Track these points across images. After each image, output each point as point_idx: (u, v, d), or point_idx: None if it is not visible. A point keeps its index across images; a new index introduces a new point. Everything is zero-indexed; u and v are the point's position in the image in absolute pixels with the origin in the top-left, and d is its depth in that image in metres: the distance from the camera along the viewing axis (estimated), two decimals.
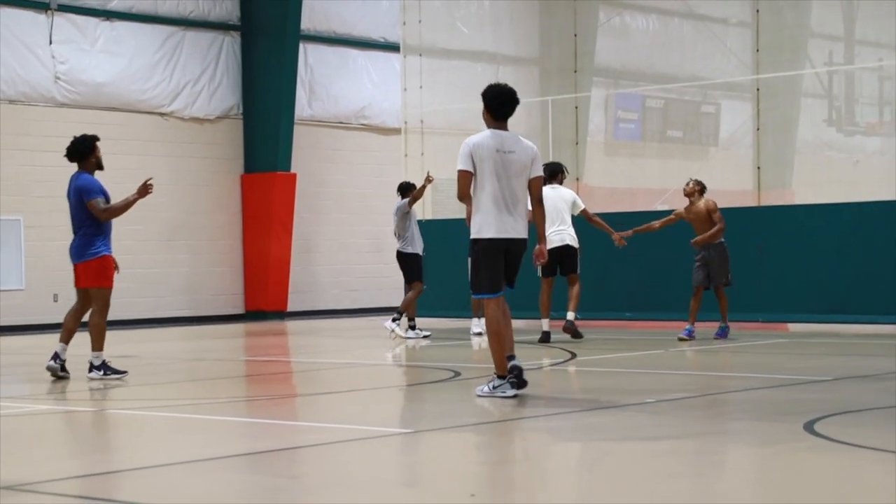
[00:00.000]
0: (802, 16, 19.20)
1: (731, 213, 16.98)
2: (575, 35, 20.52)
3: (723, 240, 14.76)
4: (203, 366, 13.98)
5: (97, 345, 11.41)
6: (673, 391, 9.52)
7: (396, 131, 22.18)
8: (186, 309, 22.88)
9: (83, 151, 11.65)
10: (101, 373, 11.35)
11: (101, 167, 11.76)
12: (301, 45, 23.90)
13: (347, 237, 25.09)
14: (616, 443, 7.53)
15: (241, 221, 23.79)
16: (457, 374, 11.50)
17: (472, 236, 9.35)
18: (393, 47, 23.34)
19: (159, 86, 22.74)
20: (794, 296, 16.05)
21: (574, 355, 13.36)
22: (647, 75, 22.18)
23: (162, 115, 22.83)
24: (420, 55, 21.62)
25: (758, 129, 18.24)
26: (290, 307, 23.83)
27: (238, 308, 23.67)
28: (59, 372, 11.36)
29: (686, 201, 15.04)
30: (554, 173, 15.09)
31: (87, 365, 11.40)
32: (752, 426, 7.78)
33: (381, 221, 23.87)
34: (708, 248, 14.63)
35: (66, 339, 11.47)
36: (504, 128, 9.46)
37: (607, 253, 16.13)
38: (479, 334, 16.47)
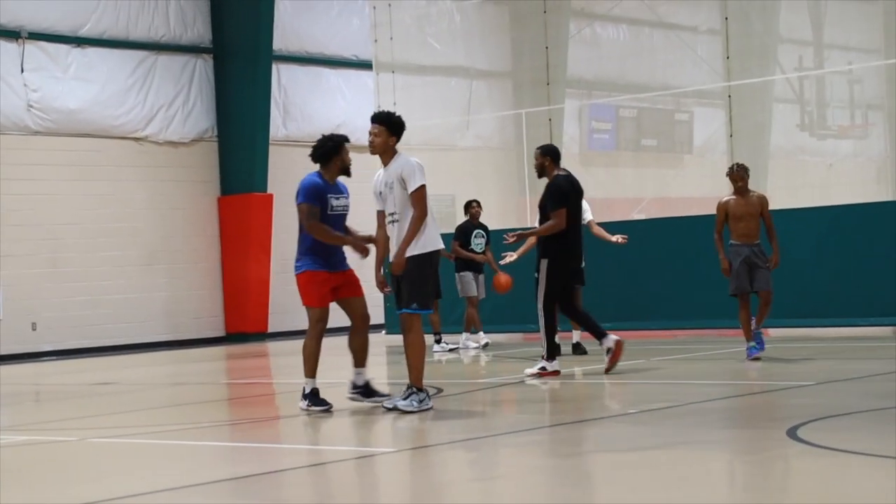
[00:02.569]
0: (771, 22, 19.30)
1: (709, 220, 17.01)
2: (546, 47, 20.57)
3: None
4: (184, 390, 13.94)
5: (305, 369, 10.15)
6: (655, 401, 9.53)
7: None
8: (167, 333, 22.81)
9: (326, 152, 10.27)
10: (307, 403, 10.04)
11: (347, 173, 10.37)
12: (274, 66, 23.89)
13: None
14: (599, 454, 7.54)
15: (219, 244, 23.74)
16: (439, 390, 11.49)
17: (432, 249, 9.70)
18: (366, 65, 23.36)
19: (133, 111, 22.70)
20: (773, 301, 16.07)
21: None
22: (619, 85, 22.27)
23: (136, 139, 22.79)
24: (393, 72, 21.65)
25: (731, 136, 18.31)
26: (271, 328, 23.77)
27: (219, 331, 23.60)
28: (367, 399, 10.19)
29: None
30: None
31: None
32: (735, 434, 7.79)
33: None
34: (751, 246, 12.64)
35: (360, 363, 10.25)
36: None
37: (589, 263, 16.13)
38: (480, 346, 16.72)
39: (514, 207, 21.97)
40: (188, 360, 18.87)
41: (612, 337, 11.98)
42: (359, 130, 25.02)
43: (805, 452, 7.05)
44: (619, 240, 14.50)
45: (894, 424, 7.81)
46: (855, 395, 9.47)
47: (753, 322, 12.61)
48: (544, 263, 12.06)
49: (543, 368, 12.08)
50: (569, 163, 20.77)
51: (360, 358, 10.16)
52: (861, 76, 18.99)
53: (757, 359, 12.36)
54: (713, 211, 17.30)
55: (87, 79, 22.08)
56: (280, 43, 24.10)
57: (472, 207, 17.09)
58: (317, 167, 10.35)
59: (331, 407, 9.95)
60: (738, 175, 12.75)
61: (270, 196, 23.65)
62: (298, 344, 11.75)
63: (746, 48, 18.84)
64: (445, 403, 10.59)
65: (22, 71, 21.25)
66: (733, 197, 12.79)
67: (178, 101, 23.28)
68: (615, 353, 11.98)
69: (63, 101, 21.73)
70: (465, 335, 16.99)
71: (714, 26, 19.26)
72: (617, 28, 22.41)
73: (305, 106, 24.92)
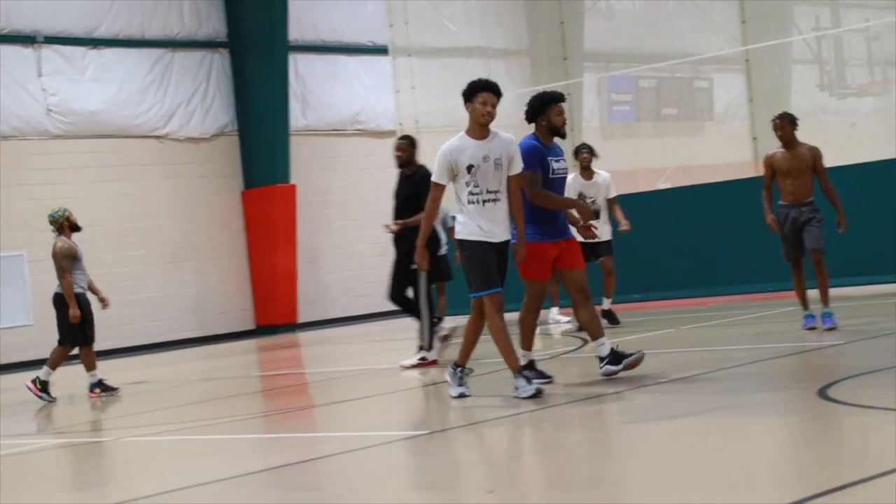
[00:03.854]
0: None
1: (733, 186, 16.97)
2: (561, 22, 20.52)
3: None
4: (217, 385, 13.99)
5: (522, 342, 9.49)
6: (688, 368, 9.51)
7: (392, 134, 22.17)
8: (196, 329, 22.90)
9: (532, 111, 9.41)
10: (527, 382, 8.94)
11: (559, 133, 9.39)
12: (290, 56, 23.90)
13: (352, 244, 25.09)
14: (639, 424, 7.53)
15: (245, 237, 23.80)
16: (471, 370, 11.48)
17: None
18: (382, 50, 23.34)
19: (152, 109, 22.76)
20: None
21: (586, 342, 13.34)
22: (637, 56, 22.16)
23: (157, 138, 22.86)
24: (409, 56, 21.63)
25: (751, 100, 18.23)
26: (301, 319, 23.84)
27: (248, 324, 23.68)
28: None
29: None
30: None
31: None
32: (767, 397, 7.76)
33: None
34: (800, 206, 11.31)
35: (527, 345, 9.55)
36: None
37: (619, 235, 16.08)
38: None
39: None
40: (219, 355, 18.93)
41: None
42: (379, 116, 25.20)
43: (836, 411, 7.02)
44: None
45: None
46: (885, 352, 9.42)
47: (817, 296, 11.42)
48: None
49: (424, 359, 12.22)
50: (590, 136, 20.78)
51: (595, 330, 9.35)
52: (879, 33, 18.84)
53: (813, 328, 11.24)
54: (736, 176, 17.27)
55: (105, 80, 22.15)
56: (295, 33, 24.10)
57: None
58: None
59: (552, 379, 9.34)
60: (779, 124, 11.30)
61: (293, 187, 23.69)
62: (329, 332, 11.84)
63: (762, 11, 18.73)
64: (476, 384, 10.59)
65: (39, 76, 21.34)
66: (780, 150, 11.36)
67: (196, 97, 23.33)
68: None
69: (82, 103, 21.81)
70: (554, 309, 16.39)
71: None
72: None
73: (324, 94, 24.93)
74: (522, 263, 9.16)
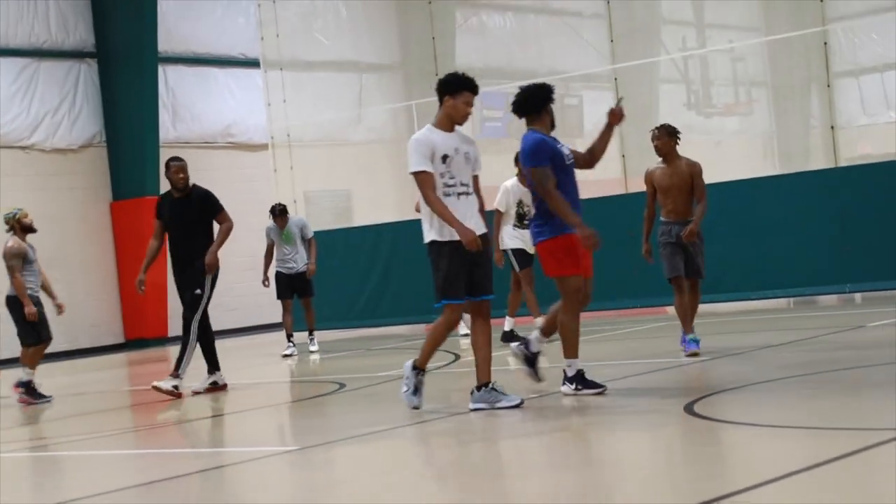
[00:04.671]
0: (653, 4, 19.56)
1: (603, 202, 17.23)
2: (433, 38, 20.63)
3: None
4: (86, 400, 13.78)
5: (565, 350, 8.88)
6: (556, 384, 9.63)
7: (264, 147, 22.09)
8: (65, 343, 22.48)
9: (539, 101, 8.87)
10: (575, 386, 8.78)
11: (553, 126, 9.00)
12: (160, 68, 23.66)
13: (224, 256, 24.74)
14: (510, 440, 7.62)
15: (113, 250, 23.45)
16: (342, 385, 11.51)
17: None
18: (253, 63, 23.23)
19: (17, 119, 22.34)
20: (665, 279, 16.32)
21: (457, 357, 13.44)
22: (508, 72, 22.39)
23: (23, 148, 22.44)
24: (281, 69, 21.56)
25: None
26: (171, 332, 23.56)
27: (118, 338, 23.34)
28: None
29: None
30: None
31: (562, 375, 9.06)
32: (634, 412, 7.91)
33: (258, 238, 23.72)
34: (683, 223, 10.71)
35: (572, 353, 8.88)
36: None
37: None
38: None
39: (410, 199, 22.00)
40: (88, 369, 18.64)
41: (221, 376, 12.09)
42: (250, 129, 25.06)
43: (700, 427, 7.19)
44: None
45: (790, 394, 7.99)
46: (747, 368, 9.67)
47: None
48: (209, 279, 11.91)
49: (215, 383, 12.18)
50: None
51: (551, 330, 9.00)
52: (743, 54, 19.32)
53: (695, 354, 10.48)
54: (605, 192, 17.55)
55: None
56: (165, 44, 23.86)
57: None
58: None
59: (604, 389, 8.72)
60: (657, 135, 10.87)
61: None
62: (199, 346, 11.76)
63: (630, 31, 19.06)
64: (346, 399, 10.62)
65: None
66: (660, 166, 10.85)
67: (63, 107, 22.96)
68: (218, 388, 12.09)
69: None
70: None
71: (598, 10, 19.46)
72: (503, 16, 22.53)
73: (194, 107, 24.72)
74: (547, 261, 8.71)
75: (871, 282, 15.39)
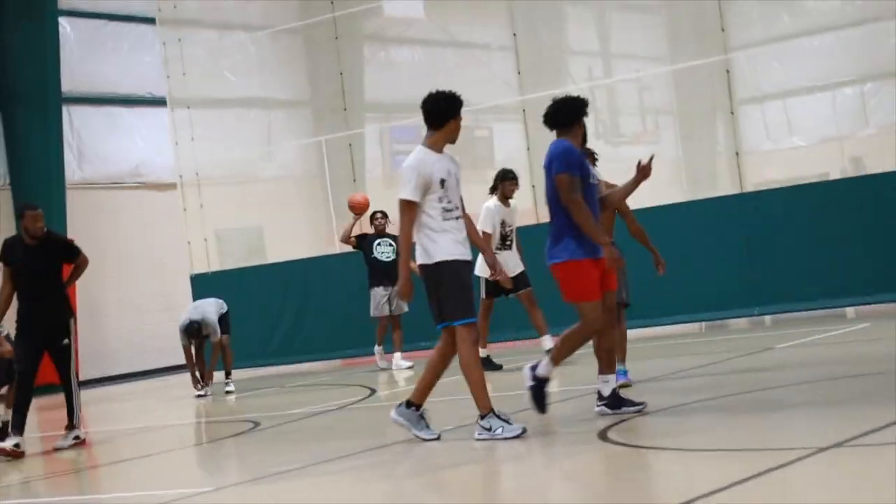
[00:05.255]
0: (559, 35, 19.71)
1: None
2: (341, 73, 20.62)
3: None
4: None
5: (556, 359, 8.49)
6: (467, 417, 9.59)
7: (173, 186, 21.88)
8: None
9: (571, 112, 8.62)
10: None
11: (586, 140, 8.84)
12: (65, 108, 23.36)
13: (136, 298, 24.58)
14: (428, 474, 7.57)
15: None
16: (256, 424, 11.38)
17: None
18: (160, 102, 23.02)
19: None
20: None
21: (373, 391, 13.37)
22: (416, 106, 22.37)
23: None
24: (188, 107, 21.41)
25: (528, 149, 18.63)
26: (82, 376, 23.14)
27: None
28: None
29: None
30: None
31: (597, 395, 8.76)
32: (549, 439, 7.90)
33: (170, 279, 23.49)
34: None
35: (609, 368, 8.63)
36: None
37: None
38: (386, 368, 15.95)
39: (323, 235, 21.91)
40: None
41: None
42: (159, 169, 24.81)
43: (616, 452, 7.20)
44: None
45: (703, 418, 8.02)
46: (663, 392, 9.71)
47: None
48: (73, 323, 11.38)
49: (77, 437, 11.50)
50: (373, 185, 20.93)
51: (606, 361, 8.62)
52: (649, 83, 19.53)
53: (627, 385, 10.04)
54: (517, 223, 17.64)
55: None
56: (70, 84, 23.57)
57: (375, 218, 16.35)
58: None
59: (644, 405, 8.46)
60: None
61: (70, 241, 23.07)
62: (111, 389, 11.58)
63: (538, 62, 19.19)
64: (260, 438, 10.50)
65: None
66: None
67: None
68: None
69: None
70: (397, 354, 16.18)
71: (505, 43, 19.57)
72: (411, 50, 22.58)
73: (100, 147, 24.44)
74: (566, 285, 8.34)
75: (779, 304, 15.60)
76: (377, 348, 16.44)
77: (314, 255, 20.00)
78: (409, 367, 15.83)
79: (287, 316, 19.49)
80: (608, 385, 8.49)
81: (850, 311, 15.51)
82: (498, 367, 13.72)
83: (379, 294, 16.14)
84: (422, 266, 8.28)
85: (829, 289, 14.97)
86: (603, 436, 7.62)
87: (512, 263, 13.48)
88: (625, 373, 10.26)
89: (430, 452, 8.21)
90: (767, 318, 15.95)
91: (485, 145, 23.93)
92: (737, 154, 16.98)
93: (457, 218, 8.28)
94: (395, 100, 22.46)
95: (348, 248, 16.95)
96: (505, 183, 13.79)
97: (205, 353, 16.31)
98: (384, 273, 16.00)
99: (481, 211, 13.69)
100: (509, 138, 21.04)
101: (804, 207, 15.42)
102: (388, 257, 16.17)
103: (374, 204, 16.66)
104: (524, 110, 18.72)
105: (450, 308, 8.20)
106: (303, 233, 21.77)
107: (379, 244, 16.29)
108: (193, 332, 15.75)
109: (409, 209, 8.22)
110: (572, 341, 8.45)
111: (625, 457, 7.16)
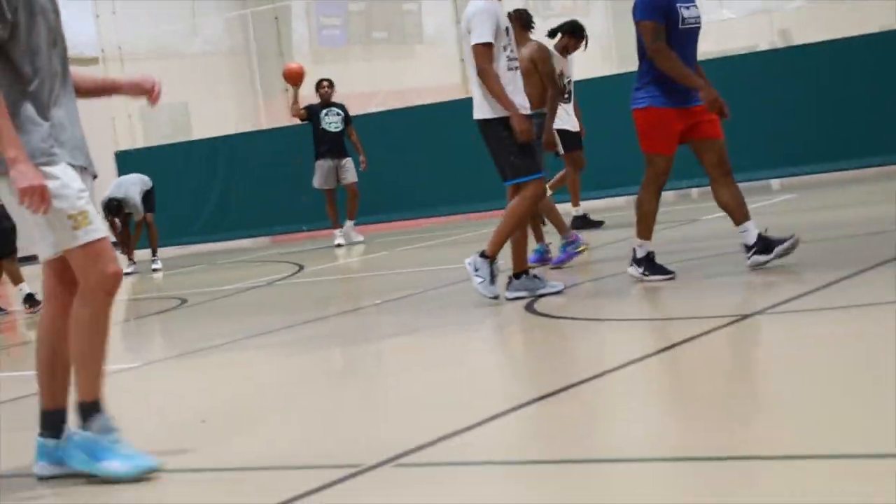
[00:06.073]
0: None
1: (441, 108, 17.21)
2: None
3: None
4: None
5: (639, 229, 8.00)
6: (397, 290, 9.61)
7: (95, 61, 21.43)
8: None
9: None
10: (642, 270, 7.99)
11: None
12: None
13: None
14: (348, 347, 7.57)
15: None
16: (184, 301, 11.33)
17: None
18: None
19: None
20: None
21: (301, 267, 13.34)
22: None
23: None
24: None
25: (458, 23, 18.40)
26: None
27: None
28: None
29: None
30: None
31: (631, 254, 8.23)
32: (480, 313, 7.92)
33: (94, 156, 23.10)
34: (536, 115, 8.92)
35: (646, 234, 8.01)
36: None
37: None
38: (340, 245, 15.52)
39: (250, 111, 21.68)
40: None
41: None
42: (81, 43, 24.05)
43: (541, 323, 7.24)
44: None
45: (628, 289, 8.07)
46: (581, 265, 9.76)
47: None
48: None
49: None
50: (300, 60, 20.63)
51: (739, 213, 7.84)
52: None
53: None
54: (446, 98, 17.53)
55: None
56: None
57: (321, 87, 15.81)
58: None
59: (674, 275, 7.91)
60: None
61: None
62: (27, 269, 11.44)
63: None
64: (188, 315, 10.46)
65: None
66: None
67: None
68: None
69: None
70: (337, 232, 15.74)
71: None
72: None
73: None
74: (642, 133, 7.87)
75: (705, 176, 15.61)
76: (336, 230, 15.77)
77: (241, 132, 19.78)
78: (361, 241, 15.69)
79: (214, 193, 19.30)
80: (749, 233, 7.80)
81: (774, 182, 15.63)
82: (599, 224, 13.13)
83: (326, 166, 15.59)
84: (485, 121, 7.88)
85: (755, 160, 15.03)
86: (530, 308, 7.65)
87: (570, 122, 12.45)
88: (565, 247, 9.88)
89: (354, 325, 8.21)
90: (694, 190, 16.02)
91: (413, 20, 23.66)
92: None
93: (517, 68, 7.93)
94: None
95: (278, 124, 16.74)
96: (572, 39, 12.46)
97: (130, 230, 16.13)
98: (332, 143, 15.54)
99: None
100: (438, 12, 20.81)
101: (734, 79, 15.38)
102: (336, 127, 15.65)
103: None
104: None
105: (513, 164, 7.89)
106: (229, 109, 21.53)
107: (327, 114, 15.70)
108: (113, 208, 15.51)
109: (488, 52, 7.71)
110: (645, 203, 7.96)
111: (550, 327, 7.20)
